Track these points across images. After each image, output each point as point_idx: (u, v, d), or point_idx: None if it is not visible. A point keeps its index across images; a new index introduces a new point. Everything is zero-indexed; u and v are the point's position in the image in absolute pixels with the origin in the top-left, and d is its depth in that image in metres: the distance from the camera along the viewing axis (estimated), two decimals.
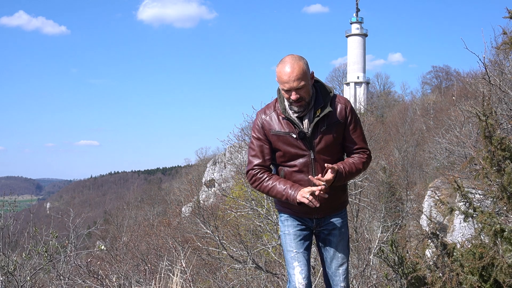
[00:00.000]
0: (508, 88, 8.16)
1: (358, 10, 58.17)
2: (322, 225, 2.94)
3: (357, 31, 57.91)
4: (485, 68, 5.71)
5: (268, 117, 2.85)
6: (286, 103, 2.78)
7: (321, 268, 3.09)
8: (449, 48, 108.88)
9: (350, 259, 3.23)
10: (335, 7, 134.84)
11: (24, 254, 6.39)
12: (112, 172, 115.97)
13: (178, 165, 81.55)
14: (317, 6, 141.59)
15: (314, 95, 2.79)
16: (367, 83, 57.12)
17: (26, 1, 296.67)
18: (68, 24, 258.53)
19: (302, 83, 2.66)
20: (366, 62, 58.22)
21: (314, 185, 2.71)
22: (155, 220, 26.47)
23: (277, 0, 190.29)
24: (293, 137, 2.78)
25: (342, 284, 2.95)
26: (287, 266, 2.94)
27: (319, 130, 2.77)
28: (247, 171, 2.92)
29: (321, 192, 2.67)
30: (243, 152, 12.47)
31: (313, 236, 3.05)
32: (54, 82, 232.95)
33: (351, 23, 58.35)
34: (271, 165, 2.94)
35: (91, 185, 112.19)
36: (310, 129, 2.76)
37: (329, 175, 2.70)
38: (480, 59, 5.46)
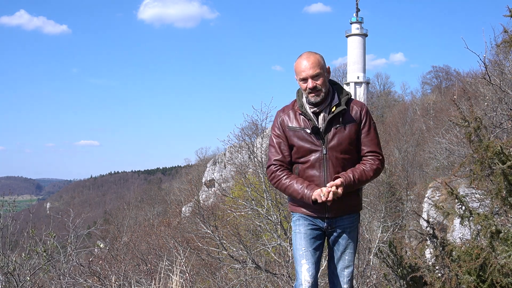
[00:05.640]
0: (508, 88, 8.15)
1: (358, 10, 58.17)
2: (334, 226, 2.95)
3: (357, 31, 57.88)
4: (485, 68, 5.71)
5: (286, 114, 2.96)
6: (304, 99, 2.92)
7: (328, 267, 3.12)
8: (449, 48, 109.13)
9: None
10: (337, 6, 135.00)
11: (23, 254, 6.39)
12: (112, 172, 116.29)
13: (178, 165, 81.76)
14: (318, 5, 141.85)
15: (331, 93, 2.91)
16: (367, 83, 57.09)
17: (27, 0, 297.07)
18: (69, 24, 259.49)
19: (318, 71, 2.81)
20: (366, 62, 58.27)
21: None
22: (155, 220, 26.44)
23: (278, 0, 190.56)
24: (307, 132, 2.87)
25: (345, 286, 2.97)
26: (295, 264, 2.96)
27: (333, 127, 2.85)
28: (267, 167, 3.01)
29: (334, 191, 2.72)
30: (243, 152, 12.46)
31: (325, 237, 3.05)
32: (54, 82, 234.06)
33: (351, 23, 58.31)
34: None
35: (91, 185, 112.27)
36: (324, 124, 2.85)
37: (337, 181, 2.75)
38: (480, 59, 5.47)
